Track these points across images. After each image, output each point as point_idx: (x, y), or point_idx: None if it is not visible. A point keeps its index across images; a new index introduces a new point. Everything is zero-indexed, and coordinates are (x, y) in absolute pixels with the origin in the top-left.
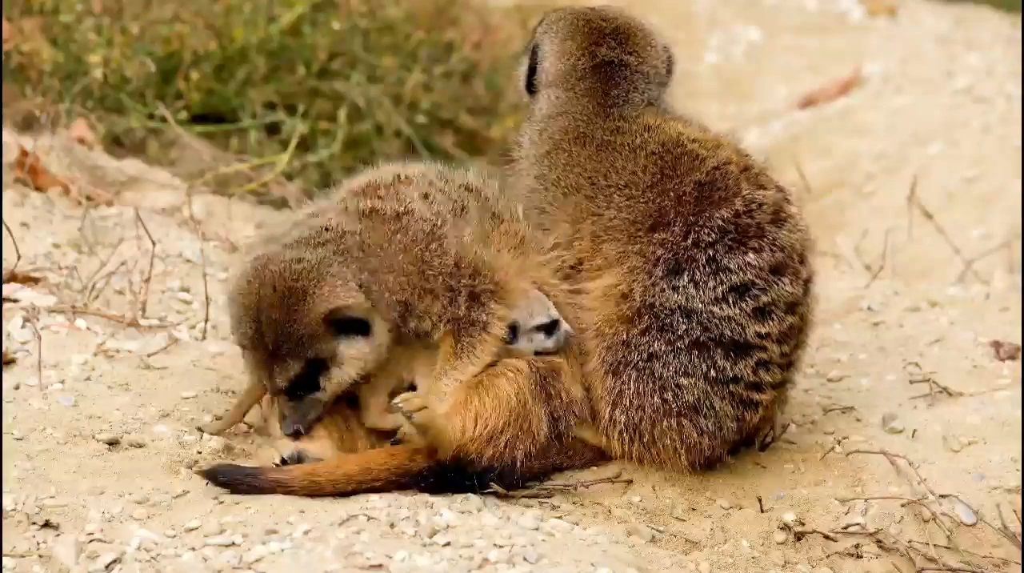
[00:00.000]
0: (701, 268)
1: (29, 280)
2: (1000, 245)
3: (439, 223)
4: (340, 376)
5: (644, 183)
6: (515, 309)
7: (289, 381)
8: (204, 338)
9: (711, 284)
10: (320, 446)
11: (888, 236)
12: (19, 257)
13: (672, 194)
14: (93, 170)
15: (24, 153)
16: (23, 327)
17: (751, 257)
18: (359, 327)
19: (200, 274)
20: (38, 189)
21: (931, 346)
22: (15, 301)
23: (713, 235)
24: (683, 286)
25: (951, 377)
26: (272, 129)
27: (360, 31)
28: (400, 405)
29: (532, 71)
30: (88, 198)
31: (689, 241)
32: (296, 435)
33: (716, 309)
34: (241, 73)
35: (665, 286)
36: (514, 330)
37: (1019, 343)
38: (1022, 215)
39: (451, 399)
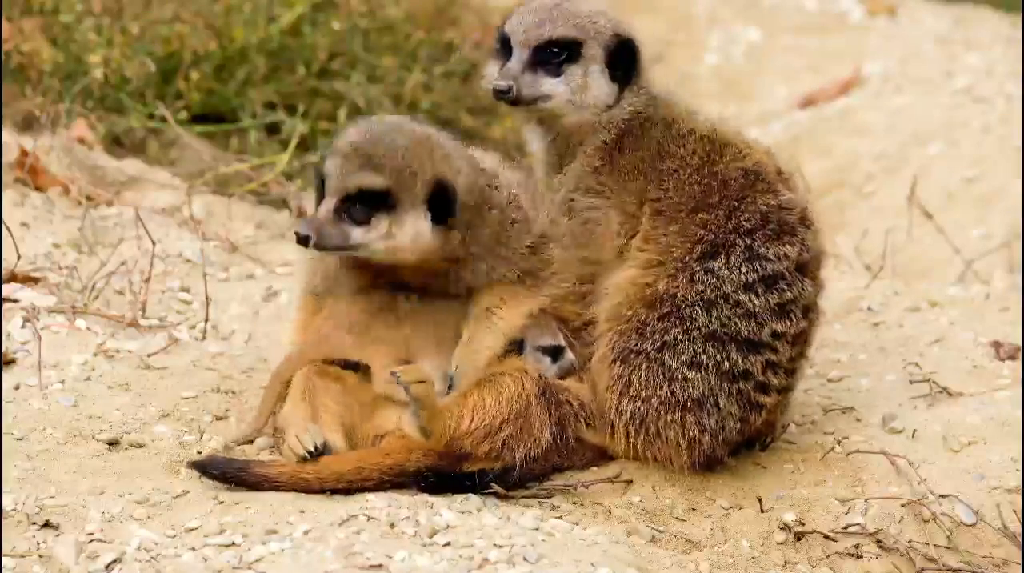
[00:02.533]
0: (738, 254)
1: (29, 280)
2: (1000, 245)
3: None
4: (385, 230)
5: (692, 166)
6: (528, 326)
7: (358, 188)
8: (204, 338)
9: (743, 270)
10: (334, 437)
11: (888, 236)
12: (19, 257)
13: (719, 177)
14: (93, 170)
15: (24, 153)
16: (23, 327)
17: (787, 249)
18: (440, 204)
19: (200, 274)
20: (38, 189)
21: (931, 346)
22: (15, 301)
23: (754, 221)
24: (716, 269)
25: (951, 377)
26: (272, 129)
27: (360, 31)
28: (398, 374)
29: (620, 67)
30: (88, 198)
31: (730, 225)
32: (305, 241)
33: (743, 297)
34: (241, 73)
35: (697, 267)
36: (520, 346)
37: (1019, 343)
38: (1022, 215)
39: (474, 372)
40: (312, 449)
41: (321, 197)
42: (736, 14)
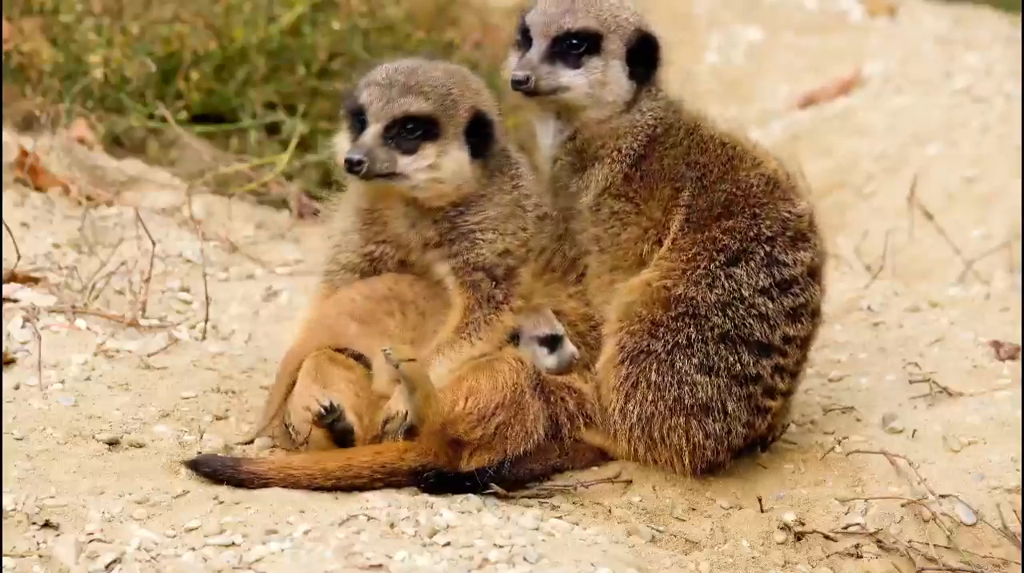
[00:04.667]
0: (758, 260)
1: (29, 280)
2: (1000, 245)
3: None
4: (433, 159)
5: (715, 174)
6: (522, 317)
7: (407, 115)
8: (204, 338)
9: (762, 275)
10: (348, 413)
11: (888, 236)
12: (19, 257)
13: (741, 184)
14: (93, 170)
15: (24, 153)
16: (23, 327)
17: (801, 254)
18: (479, 131)
19: (200, 274)
20: (38, 189)
21: (931, 346)
22: (15, 301)
23: (775, 228)
24: (737, 275)
25: (951, 377)
26: (272, 129)
27: (360, 31)
28: (390, 353)
29: (640, 64)
30: (88, 198)
31: (752, 233)
32: (351, 166)
33: (759, 300)
34: (241, 73)
35: (720, 274)
36: (516, 338)
37: (1019, 343)
38: (1022, 215)
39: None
40: (327, 406)
41: (357, 130)
42: (736, 14)
